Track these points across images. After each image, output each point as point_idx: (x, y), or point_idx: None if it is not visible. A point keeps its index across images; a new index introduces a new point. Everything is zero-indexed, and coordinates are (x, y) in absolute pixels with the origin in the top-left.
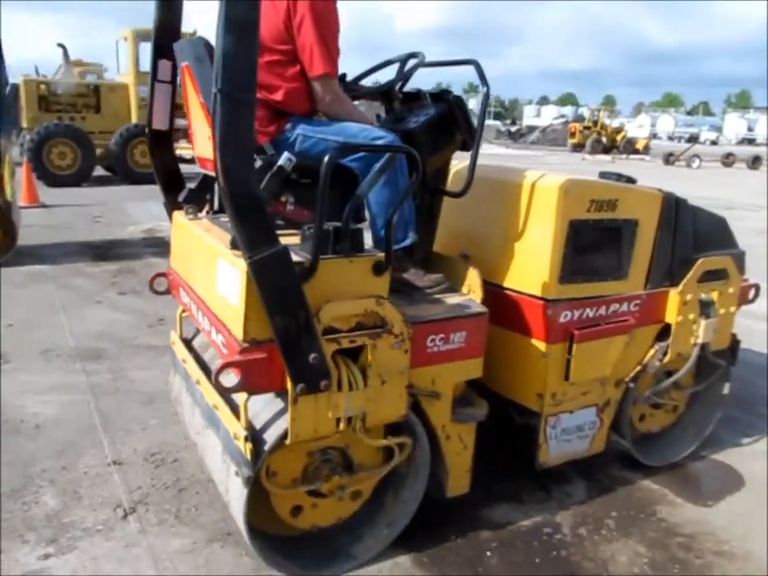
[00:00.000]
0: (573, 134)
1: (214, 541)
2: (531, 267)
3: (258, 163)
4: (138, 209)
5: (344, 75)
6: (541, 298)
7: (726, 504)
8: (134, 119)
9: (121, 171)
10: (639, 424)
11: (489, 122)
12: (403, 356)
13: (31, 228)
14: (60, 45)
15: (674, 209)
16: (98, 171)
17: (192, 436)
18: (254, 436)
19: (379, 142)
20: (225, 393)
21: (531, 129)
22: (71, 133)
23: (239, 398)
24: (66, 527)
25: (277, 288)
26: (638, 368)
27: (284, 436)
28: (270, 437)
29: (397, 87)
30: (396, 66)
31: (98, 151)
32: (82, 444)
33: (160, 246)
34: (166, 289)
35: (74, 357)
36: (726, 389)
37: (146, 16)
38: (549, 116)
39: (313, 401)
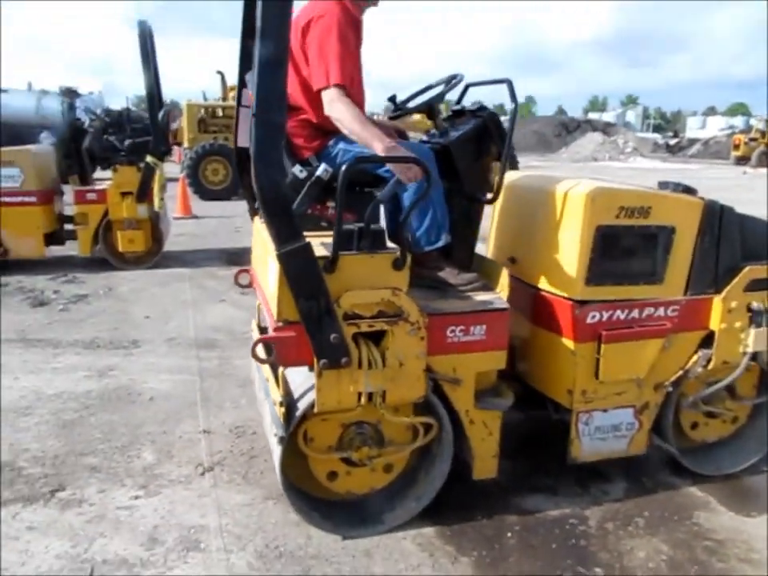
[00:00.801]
0: (737, 146)
1: (269, 499)
2: (562, 270)
3: (304, 173)
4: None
5: (394, 96)
6: (569, 299)
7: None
8: None
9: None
10: (692, 432)
11: (647, 134)
12: (419, 342)
13: (181, 236)
14: (219, 72)
15: (717, 217)
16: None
17: (259, 408)
18: (290, 403)
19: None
20: (261, 364)
21: (692, 141)
22: (224, 151)
23: (289, 372)
24: (156, 477)
25: (300, 276)
26: (680, 373)
27: (313, 405)
28: (302, 404)
29: (440, 104)
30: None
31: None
32: (182, 415)
33: None
34: (249, 282)
35: (192, 345)
36: None
37: None
38: (715, 127)
39: (335, 375)
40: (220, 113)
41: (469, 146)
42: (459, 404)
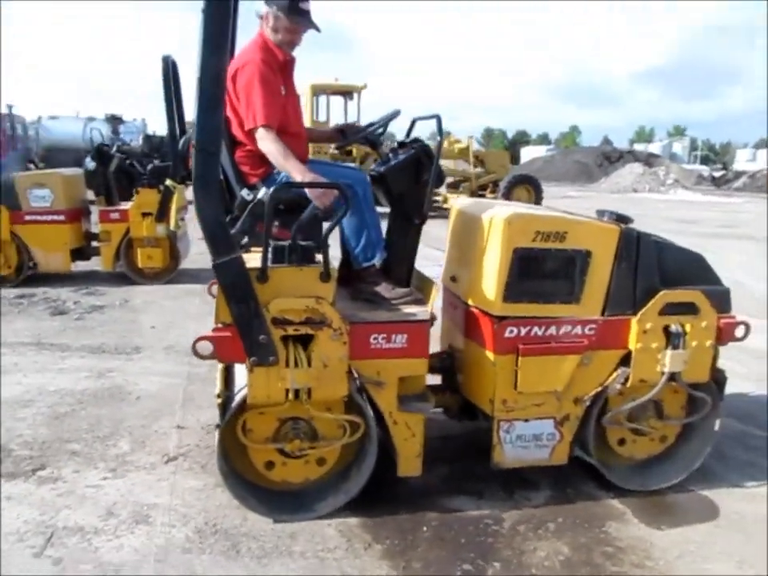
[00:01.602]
0: None
1: (219, 486)
2: (485, 287)
3: (251, 196)
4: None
5: (342, 129)
6: (490, 314)
7: (680, 531)
8: None
9: None
10: (620, 448)
11: (693, 166)
12: (342, 346)
13: (200, 255)
14: None
15: (634, 243)
16: None
17: None
18: (229, 397)
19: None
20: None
21: (739, 174)
22: None
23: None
24: (125, 463)
25: (232, 284)
26: (599, 389)
27: (245, 399)
28: (238, 398)
29: (380, 137)
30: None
31: None
32: (163, 412)
33: None
34: None
35: (187, 353)
36: (717, 425)
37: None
38: (765, 161)
39: (265, 372)
40: None
41: (403, 173)
42: (383, 405)
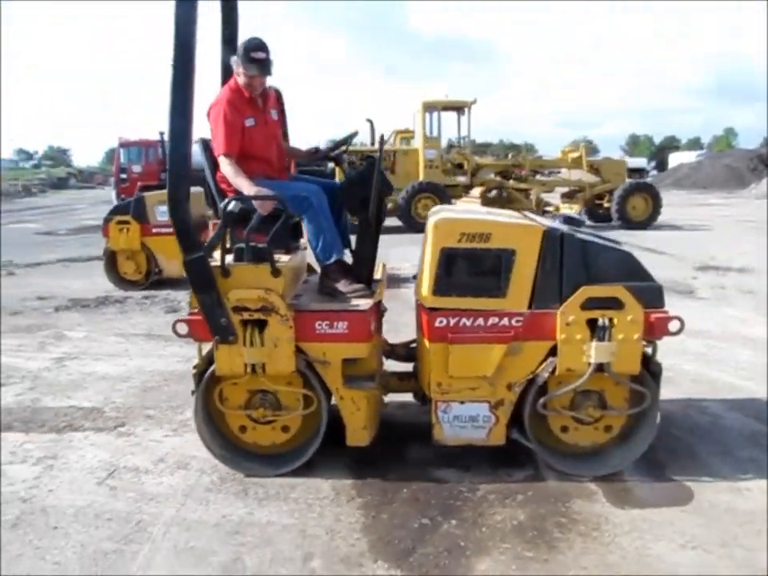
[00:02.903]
0: None
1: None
2: (422, 283)
3: (231, 207)
4: (400, 251)
5: (317, 149)
6: (424, 307)
7: (641, 512)
8: (421, 177)
9: (406, 221)
10: (564, 435)
11: None
12: (288, 330)
13: None
14: (368, 120)
15: (557, 242)
16: (391, 222)
17: None
18: (204, 369)
19: (285, 193)
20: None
21: None
22: None
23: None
24: (185, 426)
25: (198, 277)
26: (530, 377)
27: (214, 371)
28: (210, 370)
29: (341, 154)
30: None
31: (390, 205)
32: None
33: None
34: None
35: None
36: (657, 417)
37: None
38: None
39: (227, 350)
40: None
41: (353, 186)
42: (330, 382)
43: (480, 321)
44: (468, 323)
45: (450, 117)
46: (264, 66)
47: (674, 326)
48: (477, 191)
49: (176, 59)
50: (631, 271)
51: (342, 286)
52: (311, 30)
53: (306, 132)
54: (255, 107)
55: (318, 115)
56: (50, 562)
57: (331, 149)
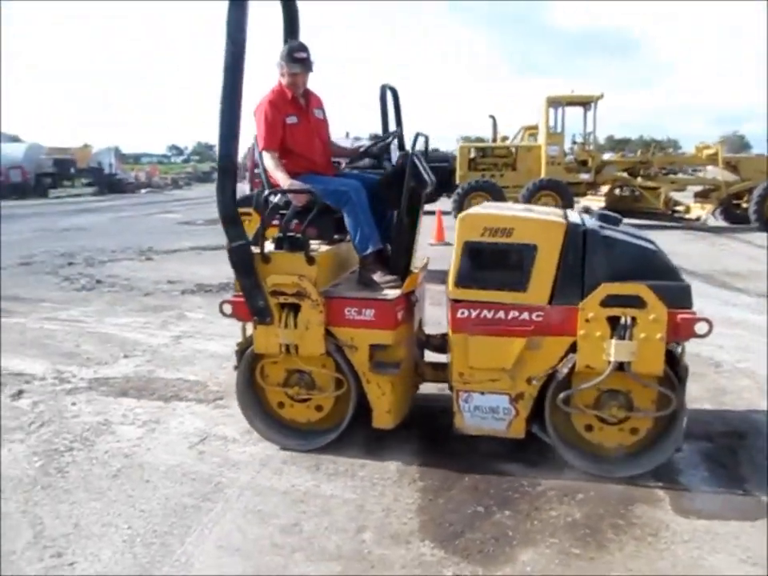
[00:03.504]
0: None
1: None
2: (450, 276)
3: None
4: None
5: (359, 147)
6: (449, 298)
7: (708, 523)
8: (542, 174)
9: None
10: (588, 434)
11: None
12: (319, 314)
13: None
14: (491, 116)
15: (580, 237)
16: None
17: None
18: (247, 347)
19: (327, 188)
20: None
21: None
22: (488, 187)
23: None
24: None
25: (240, 263)
26: (549, 371)
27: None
28: (251, 348)
29: (381, 152)
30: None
31: (510, 203)
32: None
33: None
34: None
35: None
36: (683, 422)
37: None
38: None
39: (264, 330)
40: (489, 153)
41: (390, 182)
42: (357, 366)
43: (501, 314)
44: (489, 315)
45: (576, 112)
46: (306, 64)
47: (701, 327)
48: (604, 189)
49: (226, 67)
50: (657, 270)
51: (378, 276)
52: (454, 26)
53: (442, 126)
54: (297, 106)
55: (459, 110)
56: (138, 509)
57: (372, 146)
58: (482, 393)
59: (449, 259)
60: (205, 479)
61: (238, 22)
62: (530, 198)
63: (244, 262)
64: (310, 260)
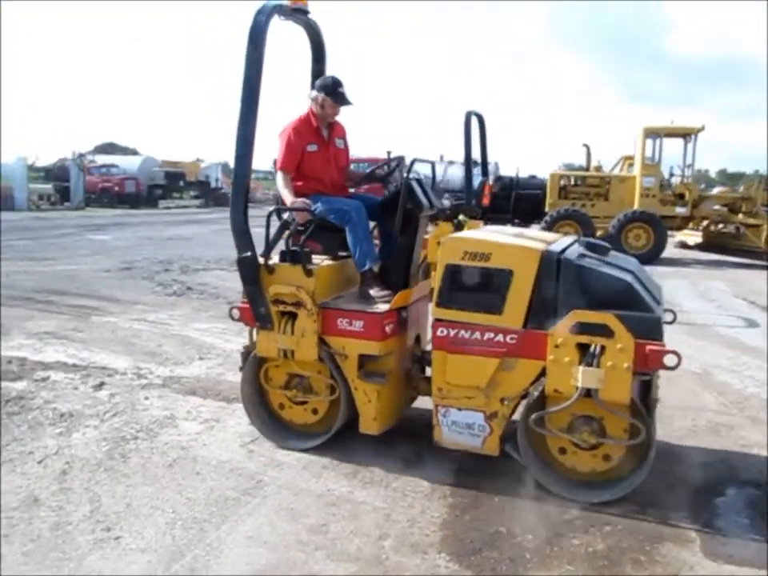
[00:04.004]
0: None
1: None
2: (433, 296)
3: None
4: None
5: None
6: (432, 317)
7: (736, 569)
8: (635, 206)
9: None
10: (561, 456)
11: None
12: (313, 323)
13: None
14: (585, 145)
15: (554, 265)
16: None
17: None
18: (251, 350)
19: (322, 208)
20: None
21: None
22: (577, 216)
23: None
24: None
25: (246, 273)
26: (522, 393)
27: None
28: (254, 351)
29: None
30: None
31: (599, 233)
32: None
33: None
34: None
35: None
36: (651, 453)
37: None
38: None
39: (266, 335)
40: (580, 182)
41: (389, 204)
42: (347, 373)
43: (477, 334)
44: (466, 335)
45: (676, 144)
46: (344, 98)
47: (670, 360)
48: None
49: (243, 99)
50: (627, 300)
51: (374, 291)
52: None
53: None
54: (319, 136)
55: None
56: (184, 497)
57: (374, 170)
58: (459, 409)
59: None
60: (249, 475)
61: (254, 60)
62: (621, 230)
63: (249, 272)
64: (309, 273)
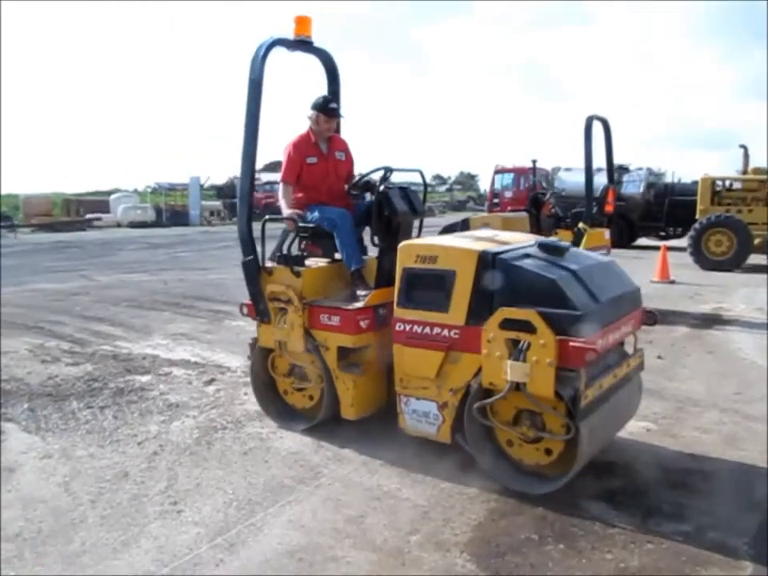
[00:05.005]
0: None
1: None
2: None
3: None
4: (745, 292)
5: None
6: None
7: None
8: None
9: None
10: (509, 449)
11: None
12: (300, 317)
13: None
14: (742, 146)
15: (489, 265)
16: (756, 259)
17: None
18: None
19: (316, 216)
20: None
21: None
22: (730, 223)
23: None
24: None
25: (249, 273)
26: (466, 384)
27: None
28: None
29: (373, 186)
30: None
31: (756, 241)
32: None
33: (717, 323)
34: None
35: None
36: (583, 448)
37: None
38: None
39: (266, 328)
40: (737, 185)
41: (367, 214)
42: (329, 363)
43: (427, 330)
44: (419, 330)
45: None
46: (335, 114)
47: (590, 356)
48: None
49: (245, 124)
50: (550, 298)
51: (360, 290)
52: None
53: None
54: (318, 149)
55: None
56: (247, 481)
57: (358, 181)
58: (417, 398)
59: (655, 300)
60: (310, 467)
61: (253, 89)
62: None
63: (251, 273)
64: (297, 274)
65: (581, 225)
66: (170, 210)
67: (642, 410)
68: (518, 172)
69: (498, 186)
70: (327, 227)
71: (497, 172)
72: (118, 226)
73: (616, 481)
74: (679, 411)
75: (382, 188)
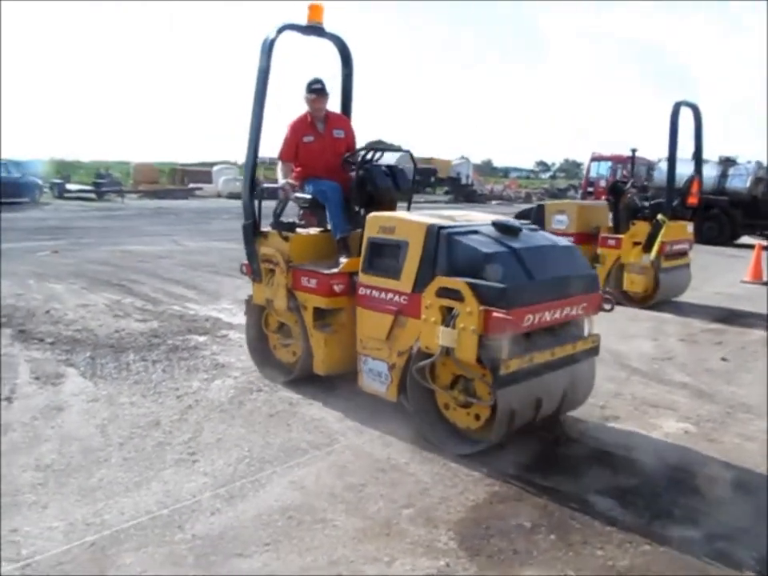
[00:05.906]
0: None
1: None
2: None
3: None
4: None
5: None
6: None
7: None
8: None
9: None
10: (447, 412)
11: None
12: (285, 278)
13: (718, 295)
14: None
15: (434, 236)
16: None
17: None
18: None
19: (311, 189)
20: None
21: None
22: None
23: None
24: None
25: (246, 236)
26: (409, 348)
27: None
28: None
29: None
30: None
31: None
32: None
33: None
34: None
35: None
36: (503, 415)
37: None
38: None
39: (258, 286)
40: None
41: (354, 187)
42: (306, 322)
43: (382, 295)
44: (376, 295)
45: None
46: (320, 92)
47: (509, 327)
48: None
49: (253, 105)
50: (480, 270)
51: (343, 257)
52: None
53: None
54: (314, 128)
55: None
56: (265, 441)
57: (348, 157)
58: (372, 358)
59: (749, 300)
60: (329, 434)
61: (262, 72)
62: None
63: (248, 236)
64: (285, 239)
65: (659, 216)
66: (270, 183)
67: (687, 411)
68: (616, 160)
69: (593, 174)
70: (320, 199)
71: (593, 159)
72: (218, 196)
73: (632, 479)
74: (727, 416)
75: (367, 166)
